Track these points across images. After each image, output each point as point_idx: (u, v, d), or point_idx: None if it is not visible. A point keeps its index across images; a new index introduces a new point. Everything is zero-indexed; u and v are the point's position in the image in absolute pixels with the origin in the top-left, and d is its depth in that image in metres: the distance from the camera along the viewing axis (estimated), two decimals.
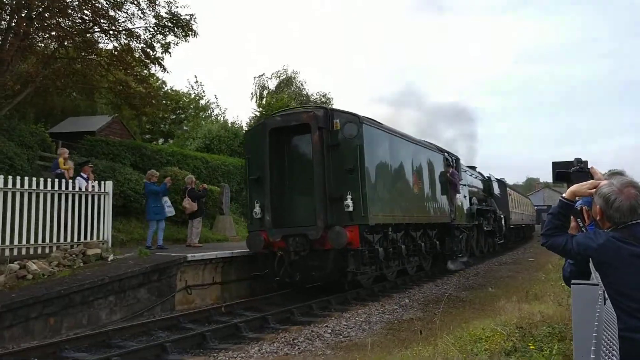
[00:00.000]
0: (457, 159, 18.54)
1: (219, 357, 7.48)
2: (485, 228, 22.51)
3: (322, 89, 70.00)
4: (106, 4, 17.53)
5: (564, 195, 3.04)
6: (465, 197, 18.90)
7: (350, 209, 11.13)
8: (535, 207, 50.92)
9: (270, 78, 42.72)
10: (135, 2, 17.68)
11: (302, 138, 11.90)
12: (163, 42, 18.73)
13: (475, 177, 23.10)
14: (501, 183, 28.56)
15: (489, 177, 25.63)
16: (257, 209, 12.12)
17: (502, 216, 25.75)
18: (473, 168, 24.25)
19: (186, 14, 18.49)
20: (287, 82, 42.67)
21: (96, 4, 17.16)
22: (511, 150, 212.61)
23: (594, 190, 2.93)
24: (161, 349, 7.67)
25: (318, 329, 8.91)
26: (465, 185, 19.14)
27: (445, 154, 17.59)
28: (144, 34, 18.43)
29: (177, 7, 18.39)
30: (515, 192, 34.93)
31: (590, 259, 2.83)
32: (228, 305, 10.78)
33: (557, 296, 8.87)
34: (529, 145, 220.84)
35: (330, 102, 40.70)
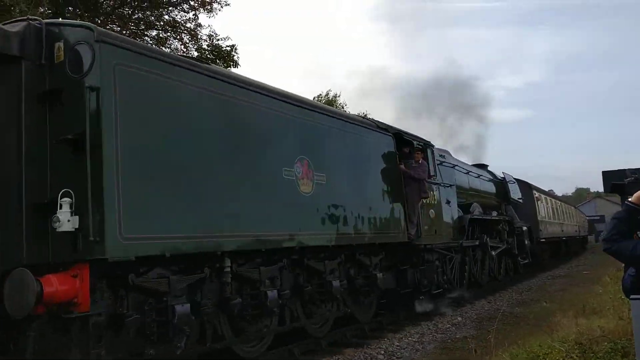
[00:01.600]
0: (428, 145, 12.19)
1: None
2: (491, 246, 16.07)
3: (362, 109, 70.09)
4: (150, 40, 18.28)
5: (630, 199, 2.99)
6: (448, 202, 13.21)
7: (67, 227, 4.91)
8: (587, 218, 49.40)
9: None
10: (179, 38, 18.40)
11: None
12: None
13: (478, 177, 17.37)
14: (524, 185, 22.49)
15: (503, 178, 20.18)
16: None
17: (523, 228, 19.28)
18: (482, 166, 19.37)
19: (227, 46, 19.16)
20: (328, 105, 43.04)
21: (141, 41, 17.90)
22: (557, 161, 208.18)
23: None
24: None
25: (372, 350, 8.85)
26: (449, 185, 13.53)
27: (399, 135, 11.11)
28: None
29: (218, 39, 19.09)
30: (548, 197, 27.80)
31: None
32: None
33: (617, 310, 8.58)
34: (575, 155, 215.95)
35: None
